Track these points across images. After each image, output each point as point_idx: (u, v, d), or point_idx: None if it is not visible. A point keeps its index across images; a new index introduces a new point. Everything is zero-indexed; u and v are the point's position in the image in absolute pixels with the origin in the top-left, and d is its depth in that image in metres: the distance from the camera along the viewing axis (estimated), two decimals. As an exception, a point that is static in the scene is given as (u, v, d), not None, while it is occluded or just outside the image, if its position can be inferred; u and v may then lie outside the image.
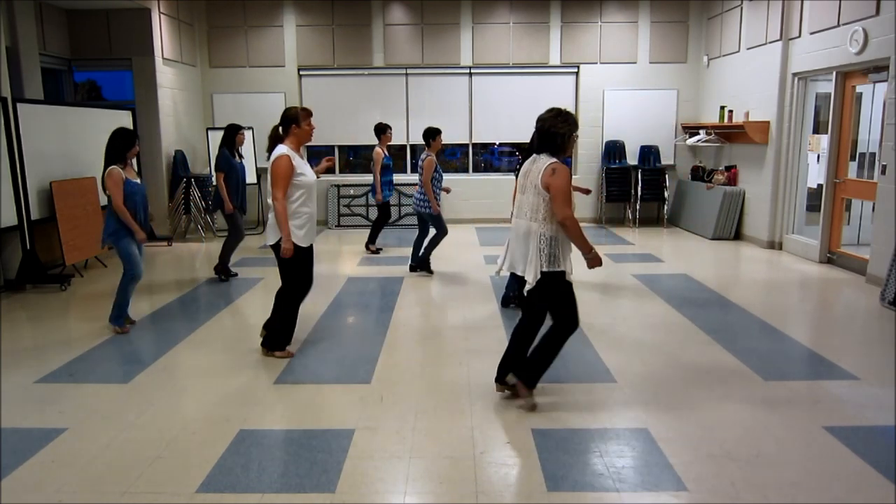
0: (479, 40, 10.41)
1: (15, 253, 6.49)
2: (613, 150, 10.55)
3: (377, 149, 7.73)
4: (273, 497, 2.74)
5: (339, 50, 10.42)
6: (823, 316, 5.62)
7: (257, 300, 6.00)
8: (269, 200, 4.15)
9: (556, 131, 3.52)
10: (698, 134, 9.77)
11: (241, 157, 7.05)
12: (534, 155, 3.59)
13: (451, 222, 10.61)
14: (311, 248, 4.30)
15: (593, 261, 3.48)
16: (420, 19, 10.34)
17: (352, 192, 10.53)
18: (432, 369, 4.20)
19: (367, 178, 10.24)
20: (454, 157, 12.49)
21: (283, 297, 4.39)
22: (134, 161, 5.05)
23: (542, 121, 3.58)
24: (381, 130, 7.76)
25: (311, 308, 5.63)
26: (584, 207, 10.82)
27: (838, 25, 6.85)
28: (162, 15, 9.18)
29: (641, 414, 3.49)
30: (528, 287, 3.45)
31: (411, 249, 7.11)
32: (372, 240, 8.27)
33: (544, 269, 3.38)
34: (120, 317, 5.03)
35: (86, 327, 5.21)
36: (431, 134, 6.75)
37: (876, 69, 6.48)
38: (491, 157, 11.37)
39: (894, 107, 6.02)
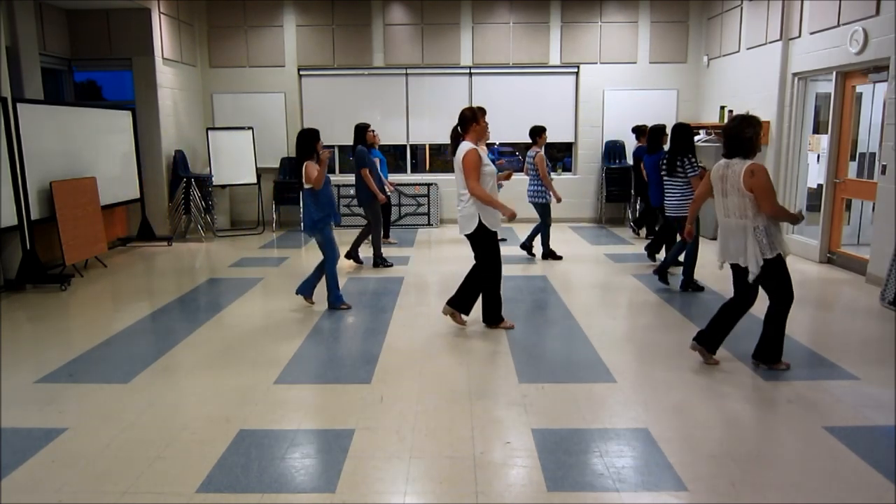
0: (479, 40, 10.41)
1: (15, 253, 6.49)
2: (613, 150, 10.55)
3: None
4: (273, 497, 2.74)
5: (339, 50, 10.42)
6: (823, 316, 5.62)
7: (257, 300, 6.00)
8: (460, 192, 4.64)
9: (743, 136, 3.82)
10: (698, 134, 9.75)
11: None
12: (724, 160, 3.97)
13: (451, 222, 10.65)
14: (495, 233, 4.75)
15: (797, 219, 4.02)
16: (420, 19, 10.34)
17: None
18: (432, 369, 4.20)
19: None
20: (454, 157, 12.49)
21: (482, 279, 4.86)
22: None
23: (730, 129, 3.91)
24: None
25: (311, 308, 5.64)
26: (584, 207, 10.83)
27: (838, 25, 6.85)
28: (162, 15, 9.18)
29: (641, 414, 3.49)
30: (751, 276, 3.87)
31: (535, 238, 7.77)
32: (386, 233, 8.85)
33: (767, 257, 3.80)
34: (339, 297, 5.54)
35: (86, 327, 5.22)
36: (538, 131, 7.48)
37: (876, 69, 6.48)
38: (491, 157, 11.36)
39: (894, 107, 6.01)
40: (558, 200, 7.52)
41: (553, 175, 10.80)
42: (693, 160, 5.99)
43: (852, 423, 3.38)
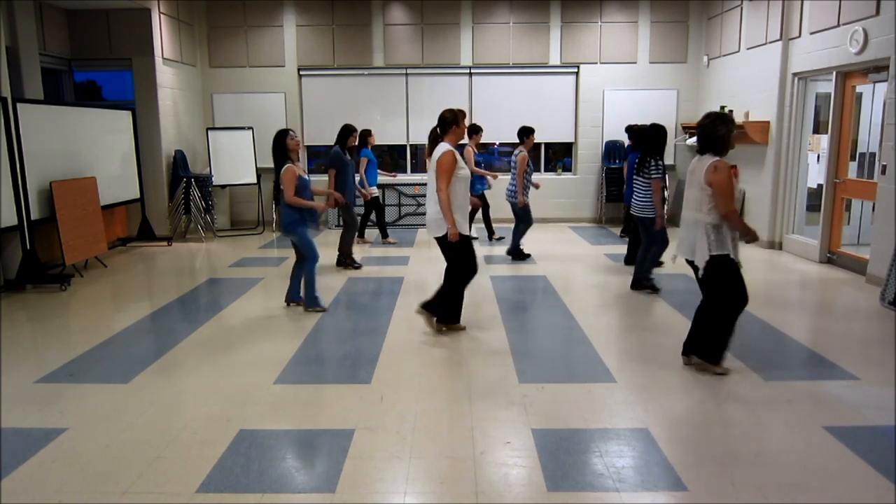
0: (479, 40, 10.41)
1: (15, 253, 6.49)
2: (613, 150, 10.55)
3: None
4: (273, 497, 2.74)
5: (339, 50, 10.42)
6: (823, 316, 5.62)
7: (257, 300, 6.00)
8: (435, 194, 4.57)
9: (715, 134, 3.82)
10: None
11: (351, 156, 7.63)
12: (697, 155, 3.98)
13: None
14: (467, 237, 4.69)
15: (751, 236, 3.92)
16: (420, 19, 10.34)
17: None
18: (432, 369, 4.20)
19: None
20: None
21: (449, 278, 4.79)
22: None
23: (703, 126, 3.89)
24: (368, 134, 8.47)
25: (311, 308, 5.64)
26: (583, 207, 10.84)
27: (838, 25, 6.85)
28: (162, 15, 9.18)
29: (641, 414, 3.49)
30: (700, 272, 3.90)
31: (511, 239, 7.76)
32: (384, 234, 9.03)
33: (713, 253, 3.80)
34: (314, 298, 5.49)
35: (86, 327, 5.22)
36: (526, 132, 7.46)
37: (876, 69, 6.48)
38: (491, 157, 11.37)
39: (894, 107, 6.02)
40: (521, 204, 7.43)
41: (552, 175, 10.84)
42: (660, 162, 5.98)
43: (852, 423, 3.38)
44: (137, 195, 8.74)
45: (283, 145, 5.33)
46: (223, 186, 9.90)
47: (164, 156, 9.24)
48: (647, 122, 8.36)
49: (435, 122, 4.79)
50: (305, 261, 5.49)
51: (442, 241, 4.70)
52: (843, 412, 3.51)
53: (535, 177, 11.03)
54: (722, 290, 3.91)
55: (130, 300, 6.08)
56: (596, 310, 5.58)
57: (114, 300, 6.14)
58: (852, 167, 7.19)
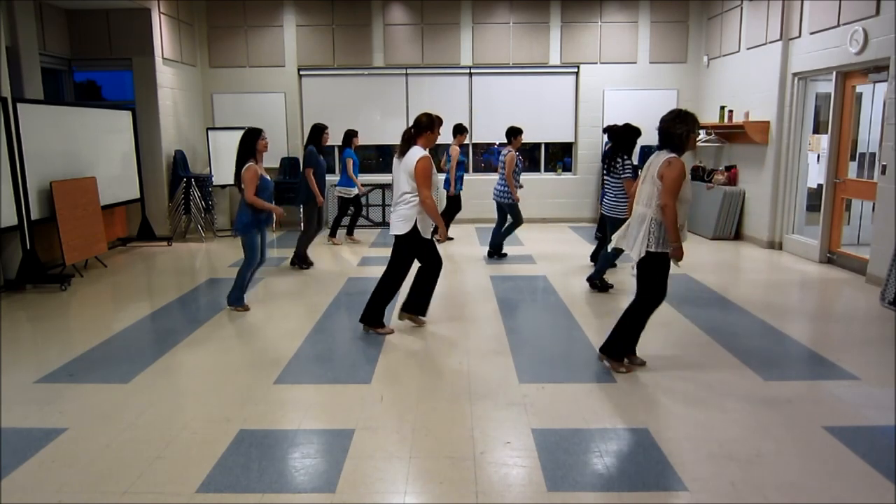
0: (479, 40, 10.41)
1: (15, 253, 6.49)
2: (613, 150, 10.54)
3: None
4: (273, 497, 2.74)
5: (339, 50, 10.42)
6: (823, 316, 5.62)
7: (257, 300, 5.99)
8: (403, 192, 4.62)
9: (673, 132, 3.81)
10: (698, 134, 9.75)
11: (325, 154, 7.69)
12: (656, 151, 3.97)
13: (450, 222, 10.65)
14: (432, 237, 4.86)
15: (676, 251, 3.79)
16: (420, 19, 10.34)
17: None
18: (432, 369, 4.20)
19: (365, 178, 10.31)
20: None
21: (423, 276, 4.91)
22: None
23: (662, 122, 3.88)
24: (354, 135, 8.56)
25: (312, 308, 5.64)
26: (583, 207, 10.84)
27: (838, 25, 6.85)
28: (162, 15, 9.18)
29: (641, 414, 3.49)
30: (633, 267, 3.94)
31: (490, 238, 7.88)
32: (350, 231, 9.22)
33: (651, 250, 3.79)
34: (239, 298, 5.53)
35: (86, 327, 5.22)
36: (514, 132, 7.47)
37: (876, 69, 6.48)
38: (491, 157, 11.36)
39: (894, 107, 6.02)
40: (517, 200, 7.48)
41: (552, 175, 10.84)
42: (628, 162, 6.01)
43: (852, 423, 3.38)
44: (137, 195, 8.74)
45: (252, 145, 5.31)
46: (223, 186, 9.90)
47: (164, 156, 9.24)
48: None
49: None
50: (243, 262, 5.47)
51: (401, 240, 4.77)
52: (843, 412, 3.51)
53: (536, 176, 11.00)
54: (647, 285, 3.92)
55: (130, 300, 6.08)
56: (596, 310, 5.57)
57: (114, 300, 6.14)
58: (852, 167, 7.19)
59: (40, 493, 2.78)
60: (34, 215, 6.56)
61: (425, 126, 4.67)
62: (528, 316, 5.48)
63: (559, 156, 11.19)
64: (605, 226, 6.57)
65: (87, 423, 3.43)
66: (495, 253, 7.79)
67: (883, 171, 6.16)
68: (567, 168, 11.10)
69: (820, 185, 7.34)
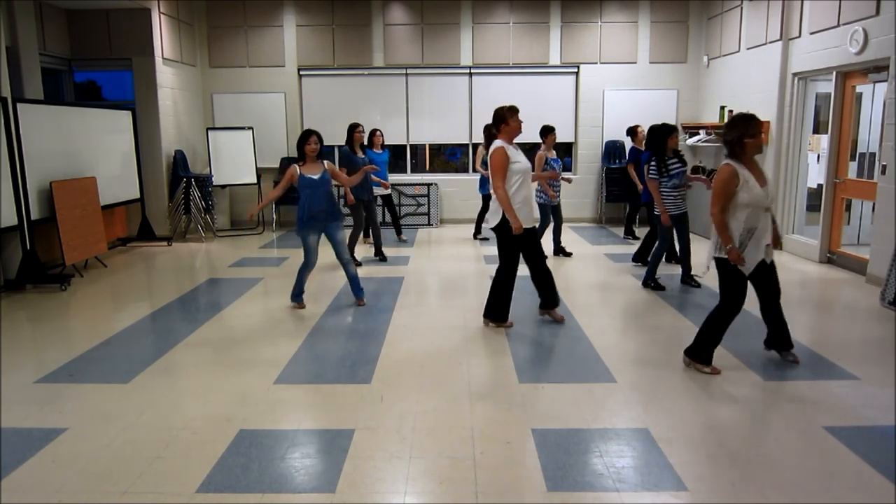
0: (479, 40, 10.41)
1: (15, 253, 6.49)
2: (613, 150, 10.55)
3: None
4: (273, 497, 2.74)
5: (339, 50, 10.43)
6: (823, 316, 5.62)
7: (257, 300, 6.00)
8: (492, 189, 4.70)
9: (725, 140, 3.88)
10: (698, 134, 9.77)
11: (363, 153, 7.64)
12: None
13: (451, 222, 10.66)
14: (531, 229, 4.81)
15: (730, 253, 3.80)
16: (420, 19, 10.34)
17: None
18: (432, 369, 4.20)
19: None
20: (454, 158, 12.50)
21: (499, 276, 4.91)
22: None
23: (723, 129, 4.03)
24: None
25: (312, 308, 5.64)
26: (584, 207, 10.84)
27: (838, 25, 6.85)
28: (162, 15, 9.18)
29: (641, 414, 3.49)
30: (704, 268, 4.10)
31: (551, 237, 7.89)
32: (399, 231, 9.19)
33: (715, 255, 3.92)
34: (297, 295, 5.69)
35: (86, 327, 5.22)
36: (544, 132, 7.49)
37: (876, 69, 6.48)
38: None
39: (894, 107, 6.01)
40: (553, 198, 7.53)
41: (567, 175, 10.82)
42: (653, 165, 6.08)
43: (852, 423, 3.38)
44: (137, 195, 8.74)
45: (299, 148, 5.60)
46: (223, 186, 9.90)
47: (164, 156, 9.24)
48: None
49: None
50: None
51: (496, 232, 4.83)
52: (843, 412, 3.51)
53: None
54: (722, 291, 3.97)
55: (130, 300, 6.08)
56: (596, 310, 5.57)
57: (114, 300, 6.14)
58: (852, 167, 7.19)
59: (40, 493, 2.78)
60: (34, 215, 6.56)
61: (497, 119, 4.82)
62: (529, 316, 5.47)
63: (559, 156, 11.17)
64: (655, 225, 6.60)
65: (86, 423, 3.43)
66: (560, 252, 7.87)
67: (883, 171, 6.16)
68: (567, 168, 11.10)
69: (820, 185, 7.33)
